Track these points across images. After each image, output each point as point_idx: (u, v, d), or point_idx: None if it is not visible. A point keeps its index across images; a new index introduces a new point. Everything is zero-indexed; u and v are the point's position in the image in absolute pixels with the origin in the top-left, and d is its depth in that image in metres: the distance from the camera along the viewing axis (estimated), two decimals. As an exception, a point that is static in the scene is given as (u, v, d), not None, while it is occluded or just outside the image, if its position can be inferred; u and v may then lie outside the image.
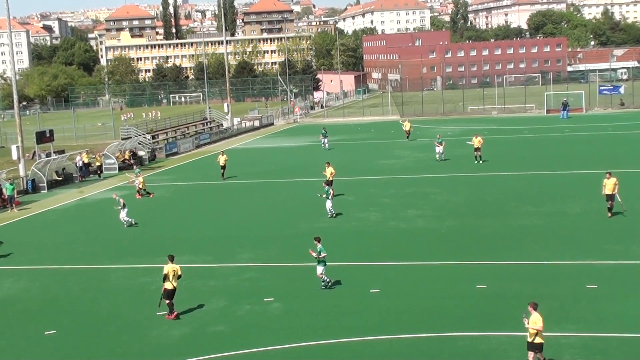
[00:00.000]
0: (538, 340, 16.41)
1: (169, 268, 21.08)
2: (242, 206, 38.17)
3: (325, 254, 22.70)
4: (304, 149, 62.12)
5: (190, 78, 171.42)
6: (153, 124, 74.63)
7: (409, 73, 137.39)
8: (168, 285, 20.97)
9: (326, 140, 59.78)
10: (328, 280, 23.08)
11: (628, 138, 57.10)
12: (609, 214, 30.62)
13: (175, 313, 21.16)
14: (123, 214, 33.93)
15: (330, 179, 37.39)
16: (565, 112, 75.43)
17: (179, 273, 21.27)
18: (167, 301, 21.11)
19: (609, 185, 30.42)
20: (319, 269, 22.80)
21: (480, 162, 47.28)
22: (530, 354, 16.48)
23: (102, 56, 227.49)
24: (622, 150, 50.27)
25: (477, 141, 47.60)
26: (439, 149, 49.03)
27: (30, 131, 60.06)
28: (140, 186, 41.52)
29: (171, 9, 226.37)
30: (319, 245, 22.68)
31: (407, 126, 63.60)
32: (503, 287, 22.45)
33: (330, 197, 33.46)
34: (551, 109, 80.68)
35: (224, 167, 46.22)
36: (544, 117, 78.22)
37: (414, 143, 60.72)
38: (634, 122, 67.53)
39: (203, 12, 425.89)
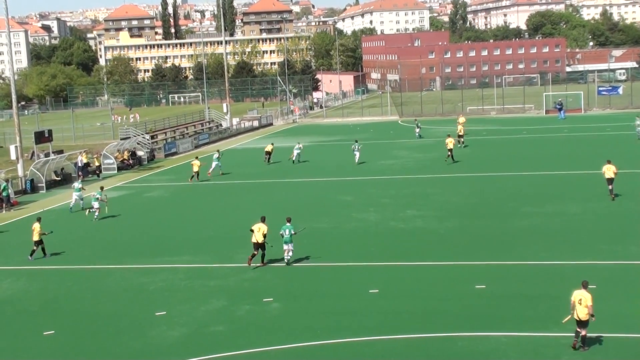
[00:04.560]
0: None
1: (255, 225, 25.54)
2: (241, 206, 38.13)
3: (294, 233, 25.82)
4: (303, 149, 61.91)
5: (190, 78, 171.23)
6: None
7: (408, 73, 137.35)
8: (253, 239, 25.45)
9: (419, 130, 64.69)
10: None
11: (627, 138, 57.01)
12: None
13: (250, 259, 25.65)
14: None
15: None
16: (562, 112, 75.43)
17: (264, 232, 25.35)
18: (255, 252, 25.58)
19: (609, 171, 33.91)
20: (291, 246, 25.79)
21: (451, 161, 47.46)
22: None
23: (100, 56, 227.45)
24: (621, 151, 50.17)
25: (450, 141, 47.76)
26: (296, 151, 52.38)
27: (28, 131, 59.97)
28: None
29: (170, 9, 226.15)
30: (289, 224, 25.72)
31: (462, 121, 60.97)
32: (502, 287, 22.48)
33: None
34: (550, 109, 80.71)
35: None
36: (542, 118, 78.25)
37: (413, 143, 60.70)
38: (633, 123, 67.32)
39: (202, 12, 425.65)
